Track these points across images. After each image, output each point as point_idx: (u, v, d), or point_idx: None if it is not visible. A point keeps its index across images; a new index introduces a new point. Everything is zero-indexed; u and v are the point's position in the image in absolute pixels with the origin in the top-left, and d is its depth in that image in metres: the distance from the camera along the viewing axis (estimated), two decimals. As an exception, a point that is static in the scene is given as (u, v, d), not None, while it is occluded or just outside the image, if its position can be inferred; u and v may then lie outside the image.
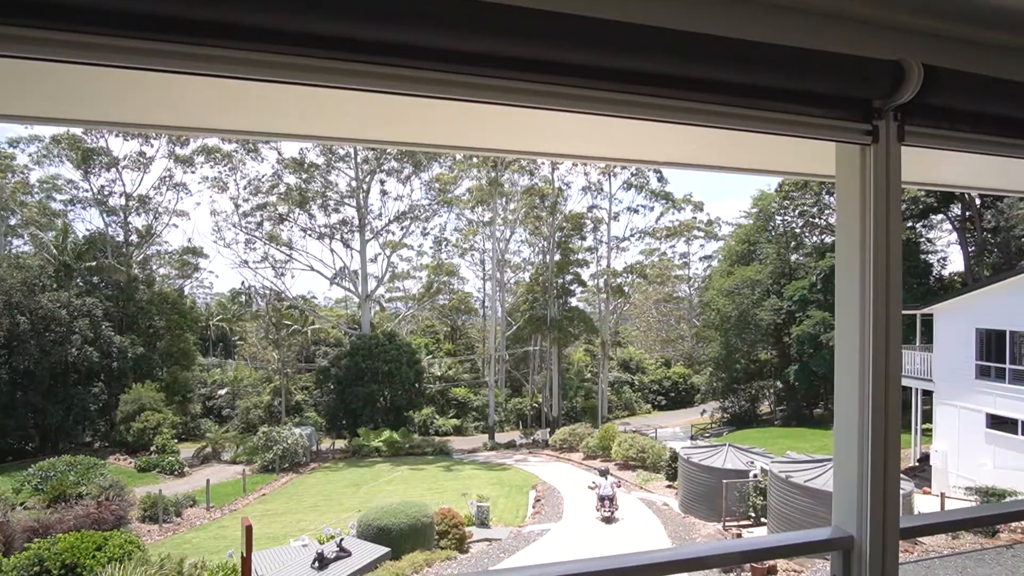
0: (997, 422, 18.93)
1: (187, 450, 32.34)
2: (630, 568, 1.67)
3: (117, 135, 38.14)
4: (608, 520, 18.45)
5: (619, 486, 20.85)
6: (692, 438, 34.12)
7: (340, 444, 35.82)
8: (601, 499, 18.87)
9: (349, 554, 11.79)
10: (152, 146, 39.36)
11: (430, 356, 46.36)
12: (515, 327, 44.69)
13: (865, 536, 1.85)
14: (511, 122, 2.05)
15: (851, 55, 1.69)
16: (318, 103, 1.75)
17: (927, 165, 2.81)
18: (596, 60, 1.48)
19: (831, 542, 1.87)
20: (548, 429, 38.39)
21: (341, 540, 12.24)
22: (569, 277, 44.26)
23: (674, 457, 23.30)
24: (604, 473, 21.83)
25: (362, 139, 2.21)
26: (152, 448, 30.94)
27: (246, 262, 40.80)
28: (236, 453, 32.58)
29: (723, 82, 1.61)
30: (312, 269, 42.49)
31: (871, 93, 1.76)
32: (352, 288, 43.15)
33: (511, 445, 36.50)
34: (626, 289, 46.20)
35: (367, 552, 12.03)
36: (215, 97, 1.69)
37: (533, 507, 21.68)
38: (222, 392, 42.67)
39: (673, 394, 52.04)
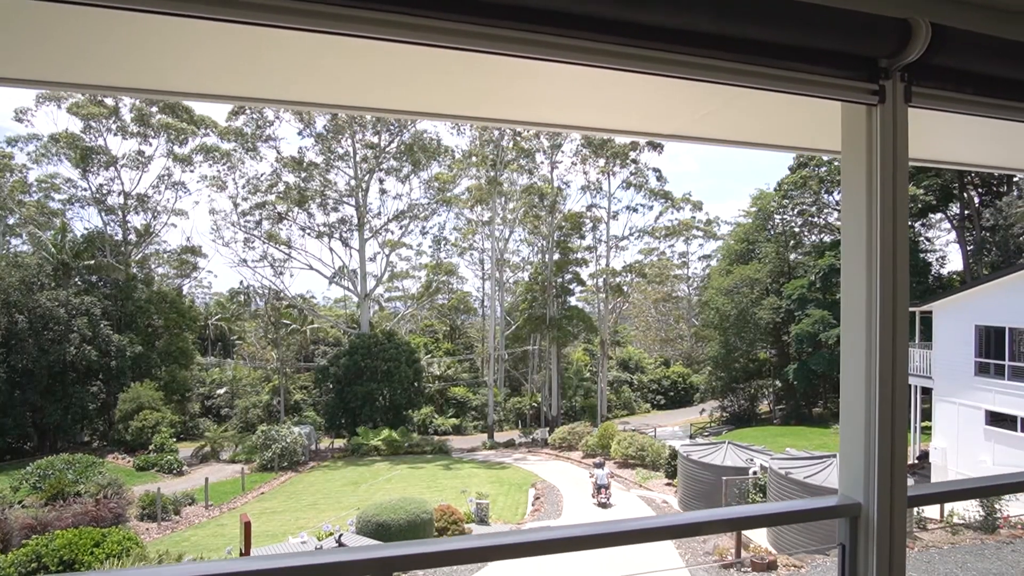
0: (996, 419, 18.93)
1: (186, 449, 32.28)
2: (642, 530, 1.65)
3: (116, 134, 38.12)
4: (603, 506, 20.18)
5: (611, 476, 22.79)
6: (691, 437, 34.09)
7: (339, 443, 35.78)
8: (597, 488, 20.65)
9: (348, 550, 11.77)
10: (151, 145, 39.32)
11: (429, 355, 46.34)
12: (514, 326, 44.68)
13: (872, 503, 1.83)
14: (510, 89, 2.03)
15: (858, 11, 1.67)
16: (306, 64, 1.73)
17: (935, 142, 2.80)
18: (597, 11, 1.45)
19: (838, 508, 1.85)
20: (547, 428, 38.37)
21: (340, 536, 12.22)
22: (568, 276, 44.27)
23: (673, 455, 23.29)
24: (600, 465, 23.63)
25: (358, 106, 2.18)
26: (151, 447, 30.87)
27: (245, 261, 40.78)
28: (235, 452, 32.53)
29: (729, 37, 1.58)
30: (311, 268, 42.48)
31: (878, 51, 1.74)
32: (351, 287, 43.10)
33: (510, 444, 36.47)
34: (625, 289, 46.19)
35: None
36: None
37: (532, 505, 21.66)
38: (221, 391, 42.62)
39: (672, 393, 52.05)
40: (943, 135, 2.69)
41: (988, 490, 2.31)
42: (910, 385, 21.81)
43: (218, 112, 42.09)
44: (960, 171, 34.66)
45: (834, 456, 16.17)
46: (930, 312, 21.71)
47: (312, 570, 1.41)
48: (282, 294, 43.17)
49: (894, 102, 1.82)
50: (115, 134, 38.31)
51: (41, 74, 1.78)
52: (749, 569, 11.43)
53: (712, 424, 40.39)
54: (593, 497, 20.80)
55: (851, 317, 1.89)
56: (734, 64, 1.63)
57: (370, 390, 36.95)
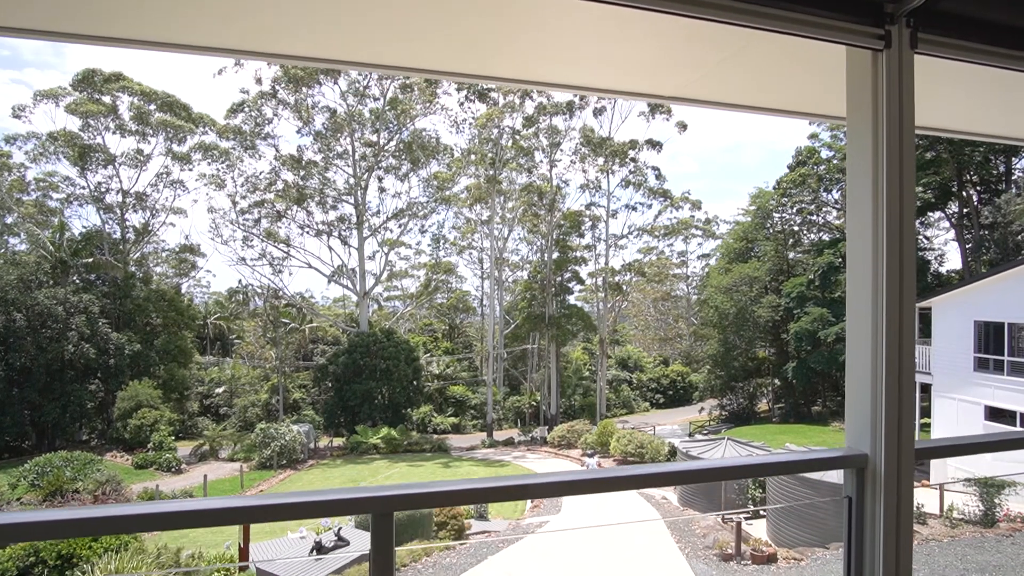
0: (996, 414, 18.93)
1: (184, 448, 32.22)
2: (645, 475, 1.63)
3: (115, 133, 38.07)
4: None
5: (597, 453, 25.64)
6: (690, 435, 34.08)
7: (338, 442, 35.73)
8: None
9: (347, 543, 11.74)
10: (149, 143, 39.28)
11: (428, 354, 46.31)
12: (513, 325, 44.65)
13: (879, 455, 1.82)
14: (503, 42, 2.00)
15: None
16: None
17: (940, 108, 2.78)
18: None
19: (845, 459, 1.83)
20: (546, 427, 38.34)
21: (339, 529, 12.19)
22: (567, 275, 44.26)
23: (673, 452, 23.30)
24: (591, 455, 25.39)
25: (344, 60, 2.13)
26: (149, 445, 30.82)
27: (244, 259, 40.69)
28: (234, 451, 32.47)
29: None
30: (309, 266, 42.40)
31: None
32: (350, 285, 43.05)
33: (509, 442, 36.44)
34: (624, 288, 46.19)
35: (365, 541, 11.97)
36: None
37: (532, 502, 21.63)
38: (219, 390, 42.52)
39: (671, 392, 52.06)
40: (949, 100, 2.67)
41: (994, 445, 2.30)
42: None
43: (217, 110, 42.04)
44: (959, 169, 34.71)
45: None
46: (929, 308, 21.71)
47: (316, 506, 1.39)
48: (281, 293, 43.11)
49: (900, 48, 1.80)
50: (113, 132, 38.28)
51: (137, 33, 1.78)
52: (749, 562, 11.42)
53: (711, 422, 40.38)
54: None
55: (857, 265, 1.88)
56: (742, 4, 1.61)
57: (369, 388, 36.92)
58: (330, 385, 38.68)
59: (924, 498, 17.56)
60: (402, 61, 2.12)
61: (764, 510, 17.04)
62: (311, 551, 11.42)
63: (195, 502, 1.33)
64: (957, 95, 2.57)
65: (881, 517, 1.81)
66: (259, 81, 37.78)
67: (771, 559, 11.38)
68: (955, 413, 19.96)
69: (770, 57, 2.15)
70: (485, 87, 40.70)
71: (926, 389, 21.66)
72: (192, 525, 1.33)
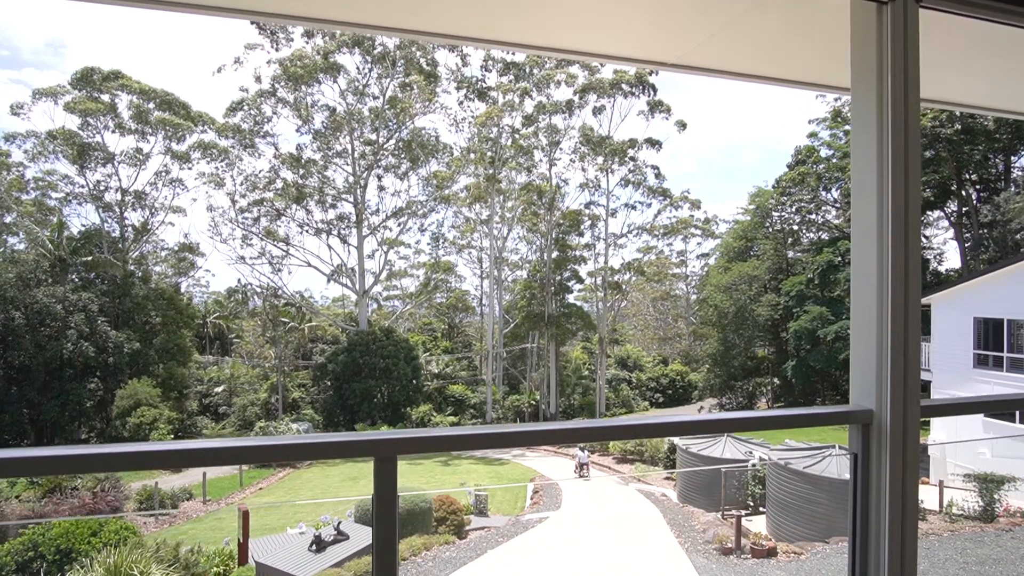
0: (995, 411, 18.94)
1: (183, 446, 32.17)
2: (648, 425, 1.62)
3: (114, 131, 38.04)
4: (583, 477, 24.68)
5: (591, 455, 27.73)
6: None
7: (337, 440, 35.63)
8: (580, 464, 25.07)
9: (347, 537, 11.72)
10: (148, 141, 39.25)
11: (427, 353, 46.27)
12: (512, 324, 44.64)
13: (885, 411, 1.81)
14: (501, 5, 1.98)
15: None
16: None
17: (946, 78, 2.77)
18: None
19: (850, 414, 1.82)
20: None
21: (339, 524, 12.17)
22: (567, 274, 44.26)
23: (672, 449, 23.28)
24: (582, 448, 26.73)
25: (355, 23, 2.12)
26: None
27: (243, 258, 40.66)
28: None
29: None
30: (309, 265, 42.37)
31: None
32: (349, 284, 43.02)
33: (509, 441, 36.39)
34: (623, 287, 46.20)
35: (365, 536, 11.95)
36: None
37: (531, 499, 21.61)
38: (218, 390, 42.46)
39: (670, 391, 52.03)
40: (954, 69, 2.66)
41: (998, 404, 2.29)
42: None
43: (216, 108, 42.02)
44: (958, 168, 34.74)
45: (832, 447, 16.18)
46: (928, 306, 21.72)
47: (319, 448, 1.38)
48: (280, 292, 43.07)
49: (904, 1, 1.79)
50: (112, 131, 38.24)
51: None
52: (749, 556, 11.41)
53: (710, 421, 40.37)
54: (575, 472, 25.44)
55: (862, 219, 1.87)
56: None
57: (368, 387, 36.90)
58: (329, 384, 38.65)
59: (923, 495, 17.57)
60: (400, 22, 2.10)
61: (763, 508, 17.05)
62: (310, 545, 11.41)
63: (193, 442, 1.32)
64: (964, 62, 2.56)
65: (887, 472, 1.80)
66: (258, 79, 37.82)
67: (771, 553, 11.38)
68: (954, 410, 19.95)
69: (773, 24, 2.15)
70: (484, 86, 40.74)
71: (925, 387, 21.67)
72: (191, 464, 1.32)
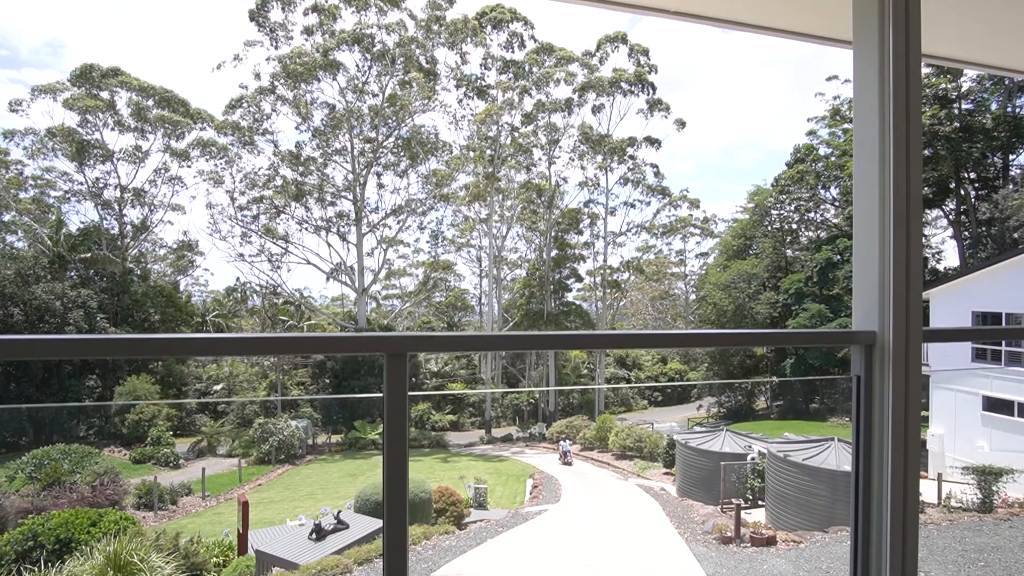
0: (993, 405, 18.99)
1: (182, 445, 32.13)
2: (652, 335, 1.64)
3: (113, 129, 38.07)
4: (566, 464, 27.16)
5: (574, 443, 30.34)
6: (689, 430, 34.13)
7: (336, 439, 35.68)
8: (563, 453, 27.86)
9: (347, 526, 11.72)
10: (148, 139, 39.26)
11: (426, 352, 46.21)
12: (512, 323, 44.64)
13: (888, 333, 1.83)
14: None
15: None
16: None
17: (949, 34, 2.79)
18: None
19: (854, 335, 1.85)
20: (544, 423, 38.33)
21: (338, 513, 12.17)
22: (566, 272, 44.29)
23: (671, 445, 23.30)
24: (565, 439, 29.30)
25: None
26: (147, 440, 30.75)
27: (242, 255, 40.63)
28: (232, 447, 32.40)
29: None
30: (308, 262, 42.34)
31: None
32: (348, 281, 43.00)
33: (507, 439, 36.44)
34: (623, 285, 46.23)
35: (365, 525, 11.96)
36: None
37: (531, 493, 21.64)
38: (217, 388, 42.42)
39: (669, 390, 52.05)
40: (958, 24, 2.68)
41: (999, 332, 2.31)
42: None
43: (216, 106, 41.99)
44: (956, 166, 34.82)
45: (831, 439, 16.21)
46: (927, 301, 21.79)
47: (329, 342, 1.40)
48: (279, 289, 43.05)
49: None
50: (112, 128, 38.23)
51: None
52: (748, 544, 11.43)
53: (709, 420, 40.40)
54: (559, 460, 27.89)
55: (864, 151, 1.89)
56: None
57: (368, 384, 36.89)
58: (328, 381, 38.64)
59: (922, 488, 17.60)
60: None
61: (762, 501, 17.06)
62: (311, 534, 11.41)
63: (197, 334, 1.34)
64: (965, 17, 2.59)
65: (890, 394, 1.83)
66: (258, 76, 37.85)
67: (770, 542, 11.39)
68: (953, 404, 20.02)
69: None
70: (483, 84, 40.78)
71: (924, 380, 21.71)
72: (195, 354, 1.34)
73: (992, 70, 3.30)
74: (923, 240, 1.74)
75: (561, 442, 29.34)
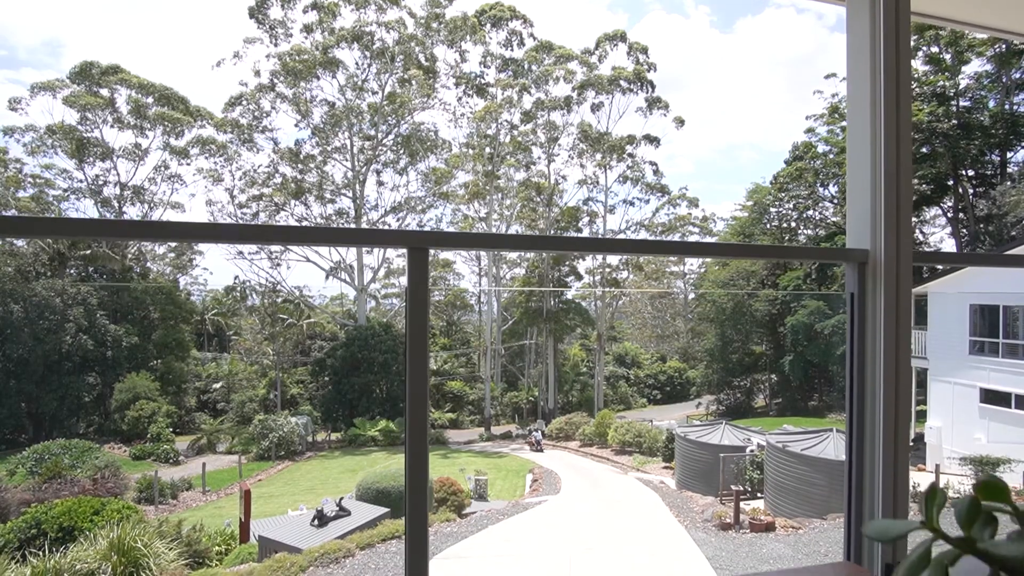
0: (991, 397, 19.08)
1: (182, 443, 32.17)
2: (650, 243, 1.72)
3: (112, 126, 38.12)
4: (538, 452, 29.09)
5: (546, 432, 32.54)
6: (688, 427, 34.18)
7: (336, 436, 35.72)
8: (536, 441, 29.97)
9: (348, 513, 11.78)
10: (147, 137, 39.31)
11: (426, 349, 46.19)
12: (511, 321, 44.70)
13: (879, 251, 1.92)
14: None
15: None
16: None
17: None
18: None
19: (848, 252, 1.93)
20: (544, 421, 38.38)
21: (340, 500, 12.23)
22: (565, 270, 44.36)
23: (671, 439, 23.36)
24: (537, 430, 31.31)
25: None
26: (147, 436, 30.78)
27: (241, 253, 40.63)
28: (232, 444, 32.43)
29: None
30: (308, 260, 42.37)
31: None
32: (348, 279, 43.05)
33: (507, 436, 36.49)
34: (622, 284, 46.29)
35: (366, 512, 12.02)
36: None
37: (530, 487, 21.69)
38: (217, 386, 42.41)
39: (668, 388, 52.10)
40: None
41: (990, 259, 2.38)
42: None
43: (215, 103, 42.02)
44: (954, 163, 34.93)
45: (830, 431, 16.29)
46: (925, 296, 21.87)
47: (352, 234, 1.48)
48: (279, 287, 43.08)
49: None
50: (111, 125, 38.29)
51: None
52: (748, 530, 11.51)
53: (708, 417, 40.46)
54: (531, 447, 30.06)
55: (856, 74, 1.98)
56: None
57: (367, 381, 36.92)
58: (328, 379, 38.65)
59: (920, 479, 17.68)
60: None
61: (761, 493, 17.13)
62: (312, 520, 11.47)
63: (209, 222, 1.41)
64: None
65: (882, 310, 1.91)
66: (257, 74, 37.92)
67: (769, 527, 11.47)
68: (951, 396, 20.11)
69: None
70: (482, 82, 40.88)
71: (922, 374, 21.81)
72: (204, 239, 1.41)
73: (981, 30, 3.38)
74: (911, 175, 1.85)
75: (534, 432, 31.27)
